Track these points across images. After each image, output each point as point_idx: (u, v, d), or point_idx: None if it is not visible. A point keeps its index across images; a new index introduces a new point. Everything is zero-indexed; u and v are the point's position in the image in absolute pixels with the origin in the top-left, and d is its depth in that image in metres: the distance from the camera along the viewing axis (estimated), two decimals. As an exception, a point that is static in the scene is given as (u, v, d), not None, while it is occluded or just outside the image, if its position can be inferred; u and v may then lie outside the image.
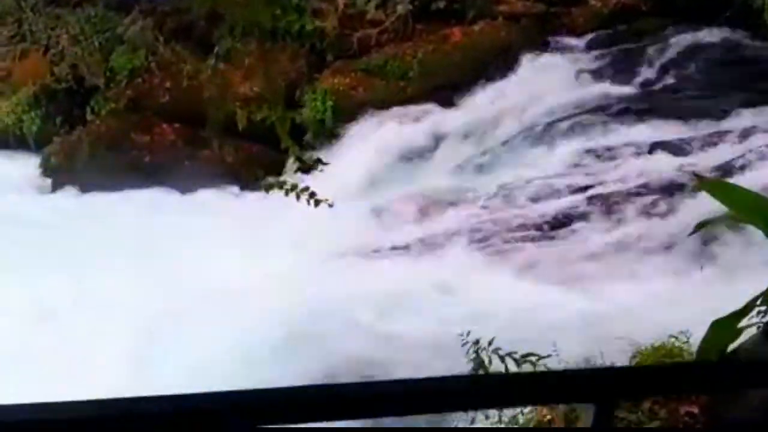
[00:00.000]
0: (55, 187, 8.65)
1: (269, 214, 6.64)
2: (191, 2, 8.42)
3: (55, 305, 5.57)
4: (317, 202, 2.95)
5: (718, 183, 1.29)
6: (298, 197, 2.97)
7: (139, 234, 6.77)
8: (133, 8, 9.15)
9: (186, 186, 7.89)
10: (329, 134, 8.25)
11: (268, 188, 3.02)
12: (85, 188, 8.41)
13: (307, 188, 2.99)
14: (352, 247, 6.82)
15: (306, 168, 3.11)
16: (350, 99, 8.43)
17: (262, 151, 7.91)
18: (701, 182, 1.29)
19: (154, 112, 8.59)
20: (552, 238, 6.35)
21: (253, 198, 7.59)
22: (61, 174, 8.60)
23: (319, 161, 3.13)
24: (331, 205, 2.95)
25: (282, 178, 3.09)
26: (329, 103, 8.29)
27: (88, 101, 8.86)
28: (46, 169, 8.72)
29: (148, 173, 8.22)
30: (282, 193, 2.98)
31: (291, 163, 3.16)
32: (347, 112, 8.34)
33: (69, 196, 8.38)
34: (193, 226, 6.88)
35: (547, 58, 8.40)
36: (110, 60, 8.87)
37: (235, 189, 7.99)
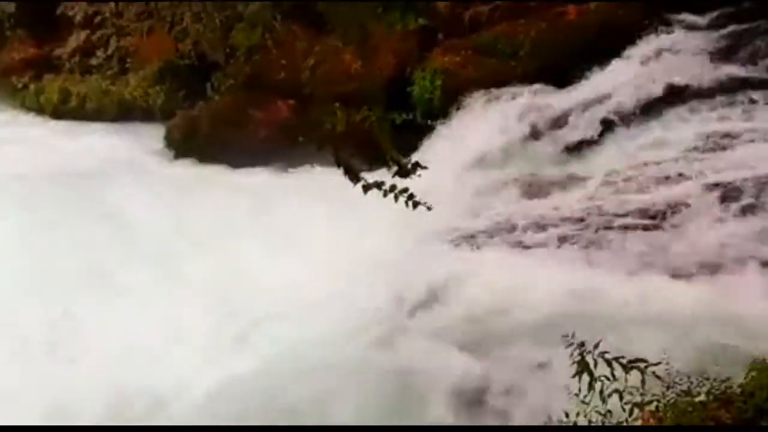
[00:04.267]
0: (177, 157, 9.17)
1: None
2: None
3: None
4: (416, 205, 2.99)
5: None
6: (396, 199, 3.01)
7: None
8: (253, -14, 9.43)
9: (297, 162, 8.18)
10: (437, 113, 8.29)
11: (366, 189, 3.07)
12: (203, 160, 8.88)
13: (406, 189, 3.02)
14: (454, 229, 6.92)
15: (404, 173, 3.09)
16: (459, 77, 8.42)
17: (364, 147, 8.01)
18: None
19: (270, 89, 8.90)
20: (662, 228, 6.19)
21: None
22: (182, 146, 9.10)
23: (417, 165, 3.11)
24: (429, 208, 2.99)
25: (380, 179, 3.10)
26: (438, 82, 8.32)
27: (209, 77, 9.28)
28: (169, 141, 9.24)
29: (262, 148, 8.57)
30: (380, 194, 3.02)
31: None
32: (456, 90, 8.34)
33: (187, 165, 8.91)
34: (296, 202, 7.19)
35: (666, 37, 8.07)
36: (230, 37, 9.23)
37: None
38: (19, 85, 10.87)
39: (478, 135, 7.93)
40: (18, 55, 10.99)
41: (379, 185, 3.09)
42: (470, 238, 6.90)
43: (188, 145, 9.09)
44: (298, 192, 7.60)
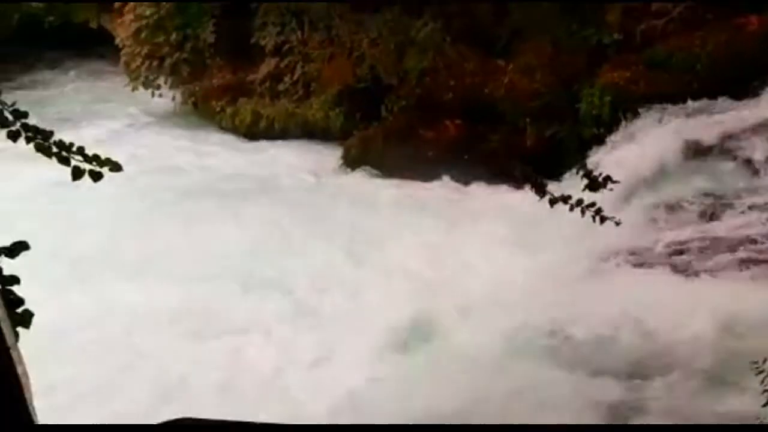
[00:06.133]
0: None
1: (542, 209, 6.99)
2: (478, 5, 8.89)
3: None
4: (603, 219, 2.96)
5: None
6: (583, 213, 3.00)
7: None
8: (425, 11, 9.85)
9: (464, 178, 8.47)
10: (606, 130, 8.21)
11: (553, 203, 3.08)
12: (377, 176, 9.42)
13: (593, 204, 3.00)
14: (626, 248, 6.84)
15: (595, 186, 3.10)
16: (630, 93, 8.28)
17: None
18: None
19: (439, 109, 9.25)
20: None
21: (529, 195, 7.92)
22: (358, 164, 9.69)
23: (608, 179, 3.05)
24: (618, 223, 3.00)
25: (567, 193, 3.10)
26: (607, 98, 8.24)
27: (383, 99, 9.81)
28: (347, 160, 9.86)
29: (431, 165, 8.94)
30: (566, 207, 3.02)
31: (579, 179, 3.10)
32: (626, 106, 8.21)
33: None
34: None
35: None
36: (403, 61, 9.69)
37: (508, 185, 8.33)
38: (218, 108, 11.96)
39: (651, 152, 7.75)
40: (217, 82, 12.12)
41: (565, 199, 3.08)
42: (641, 261, 6.80)
43: (364, 162, 9.66)
44: (469, 208, 7.90)
